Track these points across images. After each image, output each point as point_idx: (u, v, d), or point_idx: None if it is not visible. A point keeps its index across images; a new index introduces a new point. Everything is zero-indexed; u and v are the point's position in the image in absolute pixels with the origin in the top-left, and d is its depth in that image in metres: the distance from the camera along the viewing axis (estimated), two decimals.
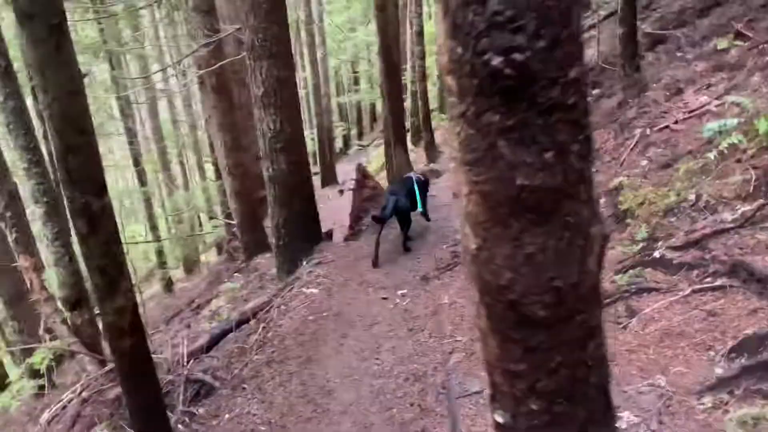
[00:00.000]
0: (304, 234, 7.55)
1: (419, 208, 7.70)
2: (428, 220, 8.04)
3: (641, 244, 4.70)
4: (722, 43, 7.03)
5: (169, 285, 17.10)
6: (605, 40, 12.75)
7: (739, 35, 7.01)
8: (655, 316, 3.55)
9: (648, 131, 6.57)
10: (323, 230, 8.30)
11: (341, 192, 17.29)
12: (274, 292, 6.81)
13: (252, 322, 6.39)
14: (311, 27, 18.89)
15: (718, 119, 5.06)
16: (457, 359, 4.26)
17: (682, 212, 4.58)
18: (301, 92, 20.04)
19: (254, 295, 8.83)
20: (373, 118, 37.64)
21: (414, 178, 7.92)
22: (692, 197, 4.58)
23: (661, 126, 6.45)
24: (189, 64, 12.85)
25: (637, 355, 3.32)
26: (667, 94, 6.90)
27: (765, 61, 6.26)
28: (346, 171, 21.46)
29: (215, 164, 14.47)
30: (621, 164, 6.44)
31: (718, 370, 3.00)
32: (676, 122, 6.33)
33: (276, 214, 7.46)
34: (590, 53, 12.45)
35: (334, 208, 12.85)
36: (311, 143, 19.12)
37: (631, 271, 4.29)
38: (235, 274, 11.73)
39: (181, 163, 20.40)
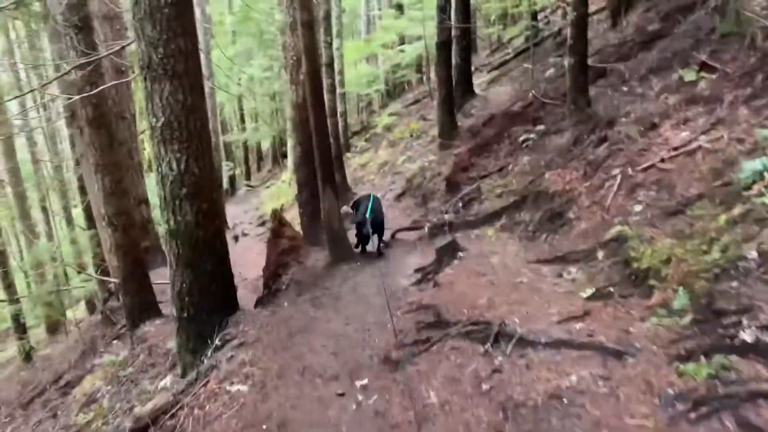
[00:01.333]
0: (215, 303, 5.87)
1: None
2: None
3: (688, 316, 3.64)
4: (689, 75, 6.40)
5: (28, 355, 14.17)
6: (518, 77, 12.28)
7: (704, 66, 6.42)
8: None
9: (630, 171, 5.69)
10: None
11: (236, 238, 15.49)
12: (182, 386, 5.07)
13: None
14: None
15: (749, 158, 4.19)
16: None
17: (743, 274, 3.58)
18: None
19: (144, 376, 6.98)
20: (260, 158, 35.98)
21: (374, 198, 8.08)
22: (753, 254, 3.61)
23: (646, 165, 5.60)
24: (55, 94, 10.69)
25: None
26: (641, 129, 6.11)
27: (747, 93, 5.64)
28: (235, 214, 19.67)
29: (87, 210, 12.23)
30: (607, 210, 5.49)
31: None
32: (662, 160, 5.50)
33: (178, 277, 5.74)
34: (508, 90, 11.92)
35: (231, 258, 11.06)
36: None
37: (704, 359, 3.18)
38: (115, 342, 9.78)
39: (44, 210, 17.43)
